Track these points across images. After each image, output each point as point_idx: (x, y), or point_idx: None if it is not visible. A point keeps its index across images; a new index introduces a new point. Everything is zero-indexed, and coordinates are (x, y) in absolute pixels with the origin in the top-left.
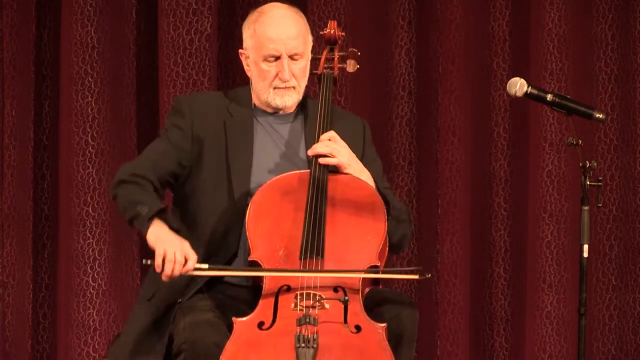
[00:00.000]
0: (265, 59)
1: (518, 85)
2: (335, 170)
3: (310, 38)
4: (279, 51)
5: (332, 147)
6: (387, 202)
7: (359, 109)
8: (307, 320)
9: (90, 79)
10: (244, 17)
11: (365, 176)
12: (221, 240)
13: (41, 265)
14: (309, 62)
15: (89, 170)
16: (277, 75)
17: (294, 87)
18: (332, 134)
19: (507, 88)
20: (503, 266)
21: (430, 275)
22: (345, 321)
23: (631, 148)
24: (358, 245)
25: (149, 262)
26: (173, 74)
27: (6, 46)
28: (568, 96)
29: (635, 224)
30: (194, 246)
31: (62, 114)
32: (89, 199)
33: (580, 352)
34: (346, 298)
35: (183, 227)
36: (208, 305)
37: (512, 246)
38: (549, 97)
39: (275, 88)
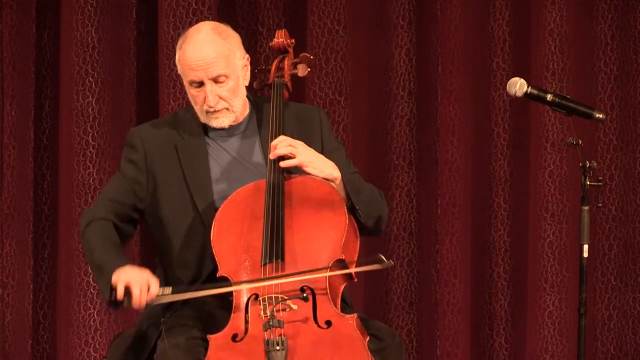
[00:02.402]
0: (191, 85)
1: (518, 85)
2: (292, 172)
3: (238, 55)
4: (199, 77)
5: (291, 143)
6: (356, 192)
7: (359, 109)
8: (272, 323)
9: (90, 79)
10: (244, 17)
11: (330, 167)
12: (199, 259)
13: (41, 265)
14: (241, 80)
15: (89, 170)
16: (204, 100)
17: (227, 109)
18: (282, 138)
19: (507, 88)
20: (503, 266)
21: (391, 262)
22: (315, 318)
23: (631, 148)
24: (320, 243)
25: (113, 295)
26: (173, 74)
27: (6, 46)
28: (568, 96)
29: (635, 224)
30: (176, 271)
31: (62, 114)
32: (89, 199)
33: (580, 351)
34: (305, 295)
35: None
36: (190, 322)
37: (512, 246)
38: (549, 97)
39: (207, 112)
